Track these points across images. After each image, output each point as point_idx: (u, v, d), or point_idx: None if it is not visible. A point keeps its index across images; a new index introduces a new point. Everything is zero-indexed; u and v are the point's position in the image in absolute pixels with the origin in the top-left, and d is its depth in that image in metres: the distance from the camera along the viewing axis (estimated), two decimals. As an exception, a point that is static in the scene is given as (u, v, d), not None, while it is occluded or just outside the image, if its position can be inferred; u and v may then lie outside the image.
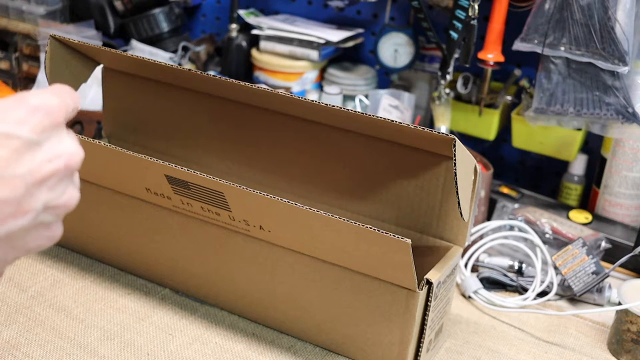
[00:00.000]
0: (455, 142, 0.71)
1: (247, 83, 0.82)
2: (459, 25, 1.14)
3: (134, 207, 0.89)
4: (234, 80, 0.83)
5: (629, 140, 1.12)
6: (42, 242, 0.47)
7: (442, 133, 0.74)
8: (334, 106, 0.78)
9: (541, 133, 1.16)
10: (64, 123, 0.47)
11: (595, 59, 1.03)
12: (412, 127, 0.76)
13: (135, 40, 1.42)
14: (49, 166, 0.45)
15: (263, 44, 1.37)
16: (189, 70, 0.88)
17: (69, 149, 0.47)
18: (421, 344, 0.80)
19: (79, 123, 1.26)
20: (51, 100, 0.46)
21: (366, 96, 1.34)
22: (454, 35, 1.15)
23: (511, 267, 1.03)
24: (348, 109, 0.78)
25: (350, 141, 0.88)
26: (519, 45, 1.09)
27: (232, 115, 0.95)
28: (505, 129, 1.25)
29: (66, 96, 0.48)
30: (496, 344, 0.91)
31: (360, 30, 1.38)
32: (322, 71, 1.38)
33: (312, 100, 0.81)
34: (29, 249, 0.47)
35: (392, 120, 0.76)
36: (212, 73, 0.86)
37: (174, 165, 0.77)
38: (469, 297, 0.99)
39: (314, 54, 1.33)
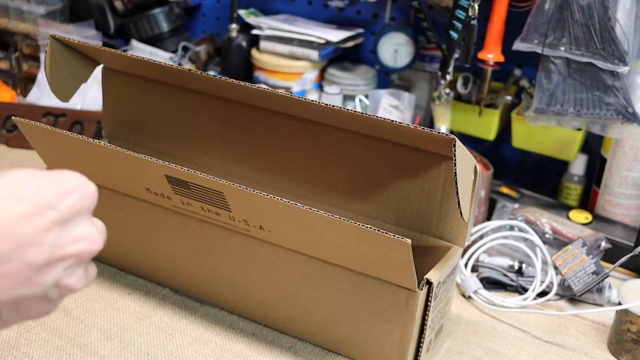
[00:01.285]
0: (455, 142, 0.71)
1: (247, 83, 0.82)
2: (459, 25, 1.14)
3: (134, 207, 0.89)
4: (234, 80, 0.83)
5: (629, 140, 1.12)
6: (41, 313, 0.49)
7: (442, 133, 0.74)
8: (334, 106, 0.78)
9: (541, 133, 1.16)
10: (91, 210, 0.50)
11: (595, 59, 1.03)
12: (412, 127, 0.76)
13: (135, 40, 1.42)
14: (71, 247, 0.47)
15: (263, 44, 1.37)
16: (189, 70, 0.88)
17: (92, 236, 0.49)
18: (421, 344, 0.80)
19: (79, 123, 1.26)
20: (89, 186, 0.49)
21: (366, 96, 1.34)
22: (454, 35, 1.15)
23: (511, 267, 1.03)
24: (348, 109, 0.78)
25: (350, 141, 0.88)
26: (519, 45, 1.09)
27: (232, 115, 0.95)
28: (505, 129, 1.25)
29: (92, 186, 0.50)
30: (496, 344, 0.91)
31: (360, 30, 1.38)
32: (322, 71, 1.38)
33: (312, 100, 0.81)
34: (29, 317, 0.49)
35: (392, 120, 0.76)
36: (212, 73, 0.87)
37: (174, 165, 0.77)
38: (469, 297, 0.99)
39: (314, 54, 1.33)
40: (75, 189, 0.48)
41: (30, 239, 0.45)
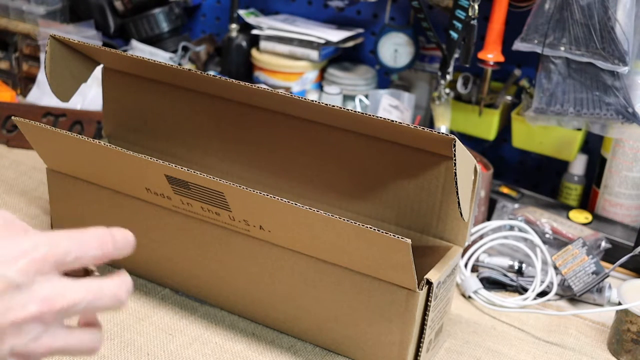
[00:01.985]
0: (455, 142, 0.71)
1: (247, 83, 0.82)
2: (459, 25, 1.14)
3: (134, 207, 0.89)
4: (233, 80, 0.83)
5: (629, 140, 1.12)
6: None
7: (442, 133, 0.74)
8: (334, 106, 0.78)
9: (541, 133, 1.16)
10: (56, 270, 0.47)
11: (595, 59, 1.03)
12: (412, 127, 0.76)
13: (135, 40, 1.42)
14: (21, 311, 0.44)
15: (263, 44, 1.37)
16: (189, 70, 0.88)
17: (49, 295, 0.45)
18: (421, 344, 0.80)
19: (79, 123, 1.26)
20: (40, 249, 0.46)
21: (366, 96, 1.34)
22: (454, 35, 1.15)
23: (511, 267, 1.03)
24: (348, 109, 0.78)
25: (350, 141, 0.88)
26: (519, 45, 1.09)
27: (232, 115, 0.95)
28: (505, 129, 1.25)
29: (71, 244, 0.48)
30: (496, 344, 0.91)
31: (360, 30, 1.38)
32: (322, 71, 1.38)
33: (312, 100, 0.81)
34: None
35: (392, 121, 0.76)
36: (212, 73, 0.87)
37: (174, 165, 0.77)
38: (469, 297, 0.99)
39: (314, 54, 1.33)
40: (26, 252, 0.45)
41: None
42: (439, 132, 0.74)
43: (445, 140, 0.75)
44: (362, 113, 0.77)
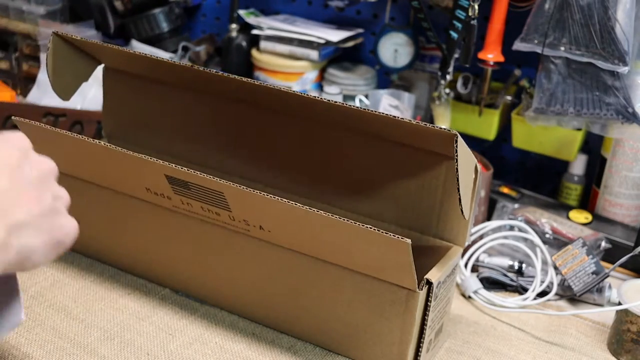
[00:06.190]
0: (457, 137, 0.71)
1: (248, 79, 0.82)
2: (459, 25, 1.14)
3: (134, 207, 0.89)
4: (235, 76, 0.83)
5: (629, 140, 1.12)
6: (63, 232, 0.58)
7: (444, 129, 0.74)
8: (335, 102, 0.78)
9: (541, 133, 1.16)
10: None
11: (595, 59, 1.03)
12: (414, 122, 0.75)
13: (135, 40, 1.42)
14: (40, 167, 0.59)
15: (263, 44, 1.37)
16: (190, 66, 0.88)
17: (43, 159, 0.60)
18: (421, 344, 0.80)
19: (79, 123, 1.26)
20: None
21: (366, 96, 1.34)
22: (454, 35, 1.15)
23: (511, 267, 1.03)
24: (349, 104, 0.78)
25: (350, 140, 0.88)
26: (519, 45, 1.09)
27: (232, 115, 0.95)
28: (505, 129, 1.25)
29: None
30: (496, 344, 0.91)
31: (360, 30, 1.38)
32: (322, 71, 1.38)
33: (314, 96, 0.80)
34: (54, 237, 0.57)
35: (394, 116, 0.76)
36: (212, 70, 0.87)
37: (174, 165, 0.77)
38: (469, 297, 0.99)
39: (314, 54, 1.33)
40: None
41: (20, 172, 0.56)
42: (441, 128, 0.74)
43: (447, 137, 0.75)
44: (364, 109, 0.77)
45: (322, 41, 1.32)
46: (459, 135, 0.71)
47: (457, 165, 0.71)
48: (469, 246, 1.03)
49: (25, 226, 0.54)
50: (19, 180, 0.55)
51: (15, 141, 0.57)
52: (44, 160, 0.59)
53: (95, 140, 0.81)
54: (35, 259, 0.56)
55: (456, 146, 0.71)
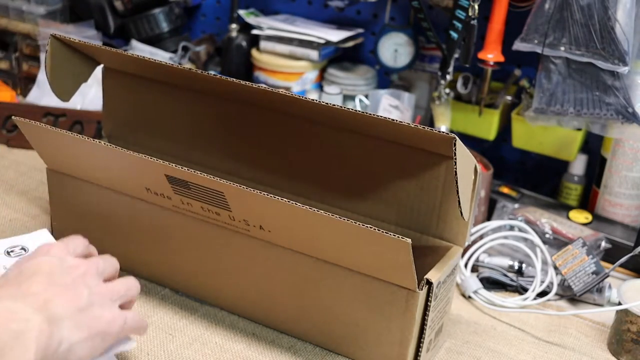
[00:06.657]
0: (455, 140, 0.71)
1: (247, 82, 0.82)
2: (459, 25, 1.14)
3: (134, 207, 0.89)
4: (234, 79, 0.83)
5: (629, 140, 1.12)
6: (104, 322, 0.65)
7: (443, 132, 0.74)
8: (334, 105, 0.78)
9: (541, 133, 1.16)
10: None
11: (595, 59, 1.03)
12: (413, 126, 0.75)
13: (135, 40, 1.42)
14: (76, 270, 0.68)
15: (263, 44, 1.37)
16: (190, 69, 0.88)
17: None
18: (421, 344, 0.80)
19: (79, 123, 1.26)
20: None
21: (366, 96, 1.34)
22: (454, 35, 1.15)
23: (511, 267, 1.03)
24: (348, 108, 0.78)
25: (350, 141, 0.88)
26: (519, 45, 1.09)
27: (232, 114, 0.95)
28: (505, 129, 1.25)
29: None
30: (496, 344, 0.91)
31: (360, 30, 1.38)
32: (322, 71, 1.38)
33: (313, 100, 0.80)
34: (94, 328, 0.64)
35: (393, 120, 0.76)
36: (212, 73, 0.87)
37: (174, 165, 0.77)
38: (469, 297, 0.99)
39: (314, 54, 1.33)
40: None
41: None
42: (439, 131, 0.74)
43: (446, 139, 0.75)
44: (363, 112, 0.77)
45: (322, 41, 1.32)
46: (457, 138, 0.71)
47: (456, 167, 0.71)
48: (469, 246, 1.03)
49: (63, 319, 0.60)
50: (54, 282, 0.62)
51: (54, 251, 0.68)
52: (81, 262, 0.68)
53: (95, 140, 0.81)
54: (81, 354, 0.61)
55: (454, 149, 0.71)
